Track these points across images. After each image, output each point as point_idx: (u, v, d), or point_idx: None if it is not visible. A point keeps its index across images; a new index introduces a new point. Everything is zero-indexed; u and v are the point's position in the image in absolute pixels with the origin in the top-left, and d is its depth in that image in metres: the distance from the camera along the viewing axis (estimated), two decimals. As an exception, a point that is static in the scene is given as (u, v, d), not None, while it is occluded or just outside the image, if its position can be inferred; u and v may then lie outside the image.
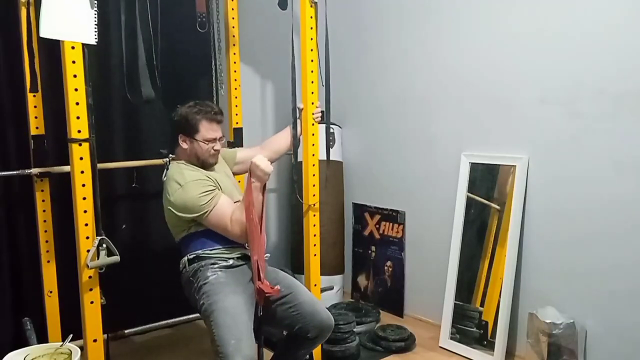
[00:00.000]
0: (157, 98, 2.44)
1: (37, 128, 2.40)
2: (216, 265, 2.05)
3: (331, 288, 3.18)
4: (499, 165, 2.62)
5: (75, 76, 1.83)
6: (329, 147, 2.51)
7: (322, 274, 2.51)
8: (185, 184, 2.04)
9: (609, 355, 2.27)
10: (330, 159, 2.66)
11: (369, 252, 3.38)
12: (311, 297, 2.13)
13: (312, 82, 2.30)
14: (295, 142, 2.40)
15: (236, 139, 2.85)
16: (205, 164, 2.15)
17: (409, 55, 3.03)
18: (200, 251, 2.09)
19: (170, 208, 2.08)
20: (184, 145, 2.15)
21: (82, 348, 1.97)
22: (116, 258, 1.95)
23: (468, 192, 2.74)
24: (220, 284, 1.99)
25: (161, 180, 2.19)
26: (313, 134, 2.34)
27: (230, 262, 2.08)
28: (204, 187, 2.04)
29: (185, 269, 2.12)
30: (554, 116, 2.41)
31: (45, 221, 2.42)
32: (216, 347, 1.86)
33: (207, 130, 2.12)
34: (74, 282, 1.96)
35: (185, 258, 2.12)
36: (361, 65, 3.31)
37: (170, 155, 2.41)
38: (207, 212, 2.03)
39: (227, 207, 2.05)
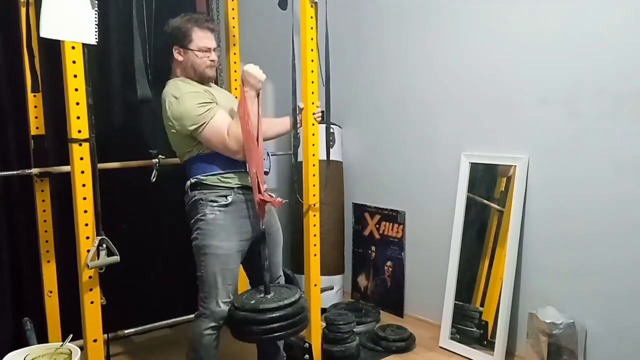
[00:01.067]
0: (157, 98, 2.44)
1: (37, 128, 2.40)
2: (215, 204, 2.03)
3: (331, 288, 3.18)
4: (499, 165, 2.62)
5: (75, 76, 1.83)
6: (329, 147, 2.51)
7: (322, 274, 2.51)
8: (181, 96, 2.02)
9: (609, 355, 2.27)
10: (330, 159, 2.66)
11: (369, 252, 3.38)
12: (279, 261, 2.26)
13: (313, 82, 2.30)
14: (295, 142, 2.39)
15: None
16: (203, 78, 2.11)
17: (409, 55, 3.03)
18: (201, 175, 2.06)
19: (169, 124, 2.07)
20: (179, 58, 2.10)
21: (82, 348, 1.97)
22: (116, 258, 1.95)
23: (468, 192, 2.74)
24: (217, 227, 2.01)
25: (162, 180, 2.20)
26: (313, 134, 2.34)
27: (230, 198, 2.04)
28: (200, 99, 2.01)
29: (187, 194, 2.11)
30: (554, 116, 2.41)
31: (45, 221, 2.42)
32: (200, 285, 2.04)
33: (201, 38, 2.08)
34: (74, 282, 1.96)
35: (188, 182, 2.10)
36: (361, 65, 3.31)
37: (160, 156, 2.43)
38: (203, 124, 1.99)
39: (224, 121, 2.01)
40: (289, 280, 2.47)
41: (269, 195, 2.01)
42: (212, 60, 2.09)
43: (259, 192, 1.98)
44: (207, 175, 2.05)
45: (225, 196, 2.04)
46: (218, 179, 2.05)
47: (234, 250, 2.04)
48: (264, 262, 2.07)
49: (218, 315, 2.02)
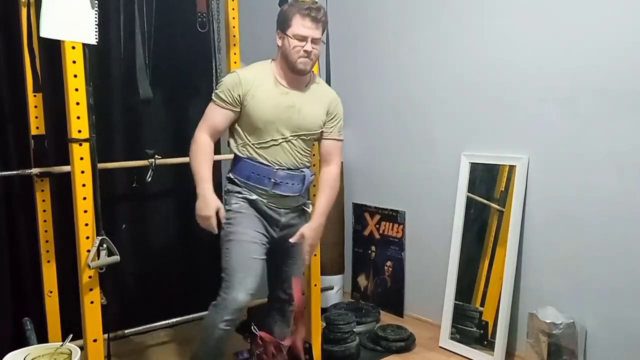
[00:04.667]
0: (157, 98, 2.44)
1: (37, 128, 2.39)
2: (240, 196, 2.06)
3: (331, 288, 3.18)
4: (499, 165, 2.62)
5: (75, 76, 1.83)
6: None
7: (322, 274, 2.51)
8: (231, 73, 2.08)
9: (609, 355, 2.27)
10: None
11: (369, 252, 3.38)
12: (294, 274, 2.21)
13: (312, 82, 2.30)
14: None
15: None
16: (294, 68, 2.00)
17: (409, 55, 3.03)
18: (232, 174, 2.10)
19: None
20: (279, 43, 2.05)
21: (82, 348, 1.97)
22: (116, 258, 1.95)
23: (468, 192, 2.74)
24: (241, 215, 2.03)
25: (162, 180, 2.20)
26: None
27: (254, 196, 2.06)
28: (231, 85, 2.01)
29: (225, 185, 2.19)
30: (553, 116, 2.41)
31: (45, 221, 2.41)
32: (224, 275, 2.00)
33: (298, 25, 1.97)
34: (74, 282, 1.96)
35: (227, 176, 2.16)
36: (361, 65, 3.31)
37: (157, 155, 2.44)
38: (210, 101, 2.06)
39: (211, 118, 2.05)
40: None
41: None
42: (306, 52, 1.97)
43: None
44: (236, 176, 2.09)
45: (251, 193, 2.06)
46: (246, 183, 2.08)
47: (258, 240, 2.04)
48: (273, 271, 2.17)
49: (237, 305, 1.96)
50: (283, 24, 2.02)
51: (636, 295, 2.18)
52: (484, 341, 2.59)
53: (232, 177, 2.10)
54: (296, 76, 2.04)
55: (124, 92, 2.74)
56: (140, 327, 2.65)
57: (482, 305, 2.63)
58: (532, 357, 2.38)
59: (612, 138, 2.23)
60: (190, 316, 2.83)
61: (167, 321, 2.74)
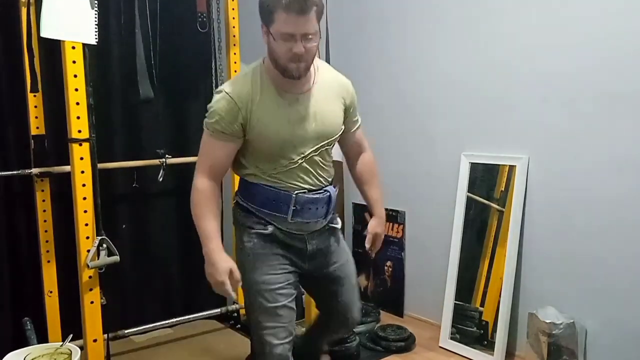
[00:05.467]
0: (157, 98, 2.45)
1: (37, 128, 2.40)
2: (253, 231, 1.72)
3: (331, 288, 3.18)
4: (499, 165, 2.62)
5: (75, 76, 1.83)
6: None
7: (322, 274, 2.51)
8: (217, 92, 1.65)
9: (609, 355, 2.27)
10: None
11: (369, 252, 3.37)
12: (351, 300, 1.90)
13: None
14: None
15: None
16: (285, 73, 1.59)
17: (409, 55, 3.03)
18: (240, 200, 1.76)
19: None
20: (264, 39, 1.62)
21: (82, 348, 1.97)
22: (116, 258, 1.96)
23: (468, 192, 2.74)
24: (256, 258, 1.70)
25: (162, 180, 2.19)
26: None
27: (270, 229, 1.71)
28: (226, 111, 1.60)
29: (233, 209, 1.83)
30: (554, 116, 2.41)
31: (45, 221, 2.41)
32: (251, 327, 1.77)
33: (282, 22, 1.52)
34: (74, 282, 1.96)
35: (235, 197, 1.82)
36: (361, 65, 3.31)
37: (167, 155, 2.39)
38: (204, 129, 1.67)
39: (209, 156, 1.66)
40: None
41: None
42: (296, 53, 1.52)
43: None
44: (247, 202, 1.75)
45: (266, 225, 1.72)
46: (260, 210, 1.73)
47: (282, 282, 1.71)
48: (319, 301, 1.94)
49: (278, 357, 1.70)
50: (266, 17, 1.58)
51: (636, 295, 2.18)
52: (484, 341, 2.59)
53: (241, 202, 1.76)
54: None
55: (124, 92, 2.74)
56: (140, 327, 2.65)
57: (482, 305, 2.63)
58: (532, 357, 2.38)
59: (612, 138, 2.22)
60: (190, 316, 2.83)
61: (167, 321, 2.74)
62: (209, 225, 1.62)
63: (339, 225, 1.87)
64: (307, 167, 1.70)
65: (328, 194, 1.76)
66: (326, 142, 1.72)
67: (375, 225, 1.89)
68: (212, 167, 1.65)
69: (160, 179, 2.47)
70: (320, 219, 1.76)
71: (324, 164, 1.76)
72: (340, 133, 1.76)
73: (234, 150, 1.67)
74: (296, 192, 1.68)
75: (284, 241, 1.73)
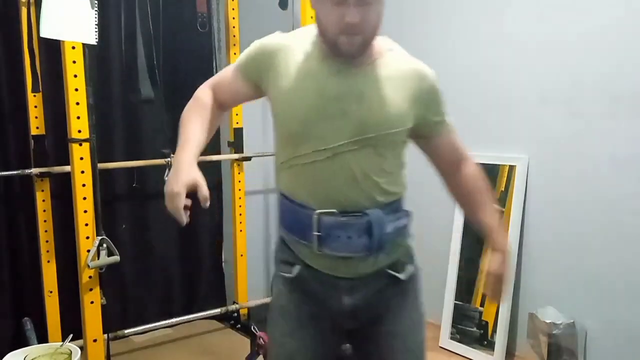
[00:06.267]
0: (157, 98, 2.44)
1: (37, 128, 2.40)
2: (280, 272, 1.32)
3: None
4: (499, 165, 2.62)
5: (75, 76, 1.83)
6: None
7: (322, 274, 2.50)
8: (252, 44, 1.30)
9: (609, 356, 2.27)
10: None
11: (369, 252, 3.37)
12: None
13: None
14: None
15: (236, 139, 2.85)
16: (334, 49, 1.18)
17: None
18: (280, 227, 1.34)
19: None
20: (312, 4, 1.21)
21: (82, 348, 1.97)
22: (116, 258, 1.96)
23: (468, 192, 2.74)
24: (280, 312, 1.32)
25: (162, 180, 2.18)
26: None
27: (295, 271, 1.27)
28: (253, 50, 1.28)
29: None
30: (554, 116, 2.41)
31: (45, 221, 2.41)
32: None
33: None
34: (74, 282, 1.96)
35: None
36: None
37: (172, 154, 2.38)
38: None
39: (220, 75, 1.37)
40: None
41: None
42: (349, 23, 1.12)
43: None
44: (281, 229, 1.34)
45: (292, 265, 1.28)
46: (288, 237, 1.31)
47: (307, 350, 1.28)
48: None
49: None
50: None
51: (636, 296, 2.18)
52: (484, 341, 2.59)
53: (278, 225, 1.36)
54: None
55: (124, 92, 2.74)
56: (140, 327, 2.65)
57: (482, 305, 2.63)
58: (532, 357, 2.38)
59: (612, 138, 2.22)
60: (190, 316, 2.83)
61: (167, 321, 2.74)
62: (191, 132, 1.27)
63: (403, 276, 1.28)
64: (344, 167, 1.19)
65: (367, 218, 1.20)
66: (371, 136, 1.19)
67: (497, 263, 1.33)
68: (219, 87, 1.35)
69: (166, 178, 2.48)
70: (361, 254, 1.21)
71: (377, 170, 1.23)
72: (399, 132, 1.24)
73: (243, 91, 1.32)
74: (318, 210, 1.19)
75: (313, 291, 1.26)
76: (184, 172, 1.19)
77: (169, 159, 2.40)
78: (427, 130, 1.34)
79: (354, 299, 1.26)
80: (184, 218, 1.16)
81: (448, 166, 1.44)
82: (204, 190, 1.16)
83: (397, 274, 1.29)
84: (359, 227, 1.21)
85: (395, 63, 1.29)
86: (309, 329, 1.28)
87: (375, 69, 1.25)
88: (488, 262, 1.36)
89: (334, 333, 1.29)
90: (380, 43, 1.28)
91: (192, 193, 1.17)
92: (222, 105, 1.36)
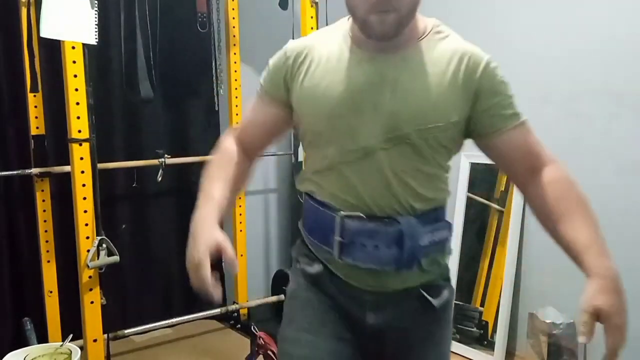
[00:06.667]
0: (157, 98, 2.45)
1: (37, 128, 2.40)
2: (299, 266, 1.18)
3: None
4: (499, 165, 2.62)
5: (75, 76, 1.83)
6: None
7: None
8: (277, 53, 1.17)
9: (609, 355, 2.27)
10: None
11: (369, 252, 3.37)
12: None
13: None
14: (296, 142, 2.39)
15: (236, 139, 2.84)
16: (365, 30, 1.03)
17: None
18: (300, 224, 1.21)
19: None
20: None
21: (82, 348, 1.97)
22: (116, 258, 1.96)
23: (468, 192, 2.74)
24: (295, 304, 1.17)
25: (162, 180, 2.18)
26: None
27: (317, 268, 1.13)
28: (276, 61, 1.16)
29: None
30: (554, 116, 2.41)
31: (45, 221, 2.42)
32: None
33: None
34: (74, 282, 1.96)
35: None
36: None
37: (166, 155, 2.37)
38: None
39: (245, 116, 1.24)
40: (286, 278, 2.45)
41: None
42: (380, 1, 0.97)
43: None
44: (303, 229, 1.20)
45: (312, 262, 1.15)
46: (310, 239, 1.17)
47: (323, 353, 1.09)
48: None
49: None
50: None
51: (636, 296, 2.18)
52: (484, 341, 2.59)
53: (300, 227, 1.22)
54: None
55: (124, 92, 2.74)
56: (140, 327, 2.65)
57: (482, 305, 2.63)
58: (532, 357, 2.38)
59: (613, 138, 2.22)
60: (190, 316, 2.83)
61: (167, 321, 2.75)
62: (212, 188, 1.11)
63: (437, 302, 1.11)
64: (370, 171, 1.04)
65: (398, 226, 1.03)
66: (406, 132, 1.02)
67: (598, 295, 1.03)
68: (244, 129, 1.21)
69: (159, 179, 2.47)
70: (388, 268, 1.05)
71: (403, 175, 1.04)
72: (443, 126, 1.05)
73: (273, 118, 1.16)
74: (342, 212, 1.05)
75: (333, 294, 1.11)
76: (204, 236, 1.01)
77: (162, 159, 2.40)
78: (485, 126, 1.10)
79: (380, 318, 1.09)
80: (215, 291, 0.97)
81: (523, 173, 1.15)
82: (229, 254, 0.99)
83: (430, 299, 1.10)
84: (388, 236, 1.04)
85: (441, 46, 1.11)
86: (331, 331, 1.11)
87: (416, 53, 1.07)
88: (586, 295, 1.01)
89: (352, 347, 1.11)
90: (424, 24, 1.15)
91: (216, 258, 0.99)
92: (251, 151, 1.20)
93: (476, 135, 1.12)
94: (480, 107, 1.09)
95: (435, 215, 1.10)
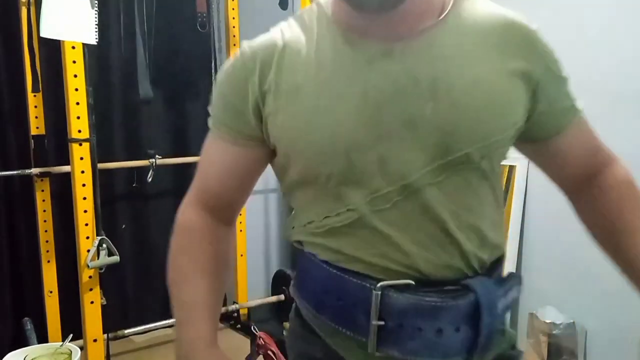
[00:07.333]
0: (156, 98, 2.45)
1: (37, 128, 2.40)
2: (296, 350, 0.87)
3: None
4: (499, 165, 2.62)
5: (75, 76, 1.83)
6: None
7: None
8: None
9: (609, 356, 2.27)
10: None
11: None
12: None
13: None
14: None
15: (236, 139, 2.84)
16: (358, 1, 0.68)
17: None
18: (293, 290, 0.87)
19: None
20: None
21: (82, 348, 1.97)
22: (116, 258, 1.96)
23: (468, 192, 2.74)
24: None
25: (162, 180, 2.18)
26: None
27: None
28: (230, 78, 0.78)
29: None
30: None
31: (45, 221, 2.42)
32: None
33: None
34: (74, 282, 1.96)
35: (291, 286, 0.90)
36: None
37: (157, 156, 2.35)
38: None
39: (203, 171, 0.87)
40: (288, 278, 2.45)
41: None
42: None
43: None
44: (300, 299, 0.85)
45: (315, 353, 0.82)
46: (314, 316, 0.81)
47: None
48: None
49: None
50: None
51: (636, 296, 2.18)
52: (484, 341, 2.59)
53: (293, 293, 0.87)
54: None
55: (124, 92, 2.75)
56: (140, 327, 2.65)
57: (482, 305, 2.63)
58: (532, 357, 2.38)
59: (614, 139, 2.20)
60: (190, 316, 2.83)
61: (167, 321, 2.75)
62: (190, 293, 0.86)
63: None
64: (415, 217, 0.72)
65: (472, 296, 0.71)
66: (468, 153, 0.73)
67: None
68: (207, 188, 0.86)
69: (149, 179, 2.47)
70: (457, 359, 0.72)
71: (464, 215, 0.74)
72: (508, 136, 0.80)
73: (245, 162, 0.80)
74: (382, 282, 0.71)
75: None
76: None
77: (153, 160, 2.40)
78: (549, 129, 0.84)
79: None
80: None
81: (579, 175, 0.92)
82: None
83: None
84: (459, 312, 0.70)
85: (476, 17, 0.78)
86: None
87: (448, 33, 0.72)
88: None
89: None
90: None
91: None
92: (226, 213, 0.86)
93: (529, 138, 0.84)
94: (542, 99, 0.80)
95: (502, 268, 0.79)
